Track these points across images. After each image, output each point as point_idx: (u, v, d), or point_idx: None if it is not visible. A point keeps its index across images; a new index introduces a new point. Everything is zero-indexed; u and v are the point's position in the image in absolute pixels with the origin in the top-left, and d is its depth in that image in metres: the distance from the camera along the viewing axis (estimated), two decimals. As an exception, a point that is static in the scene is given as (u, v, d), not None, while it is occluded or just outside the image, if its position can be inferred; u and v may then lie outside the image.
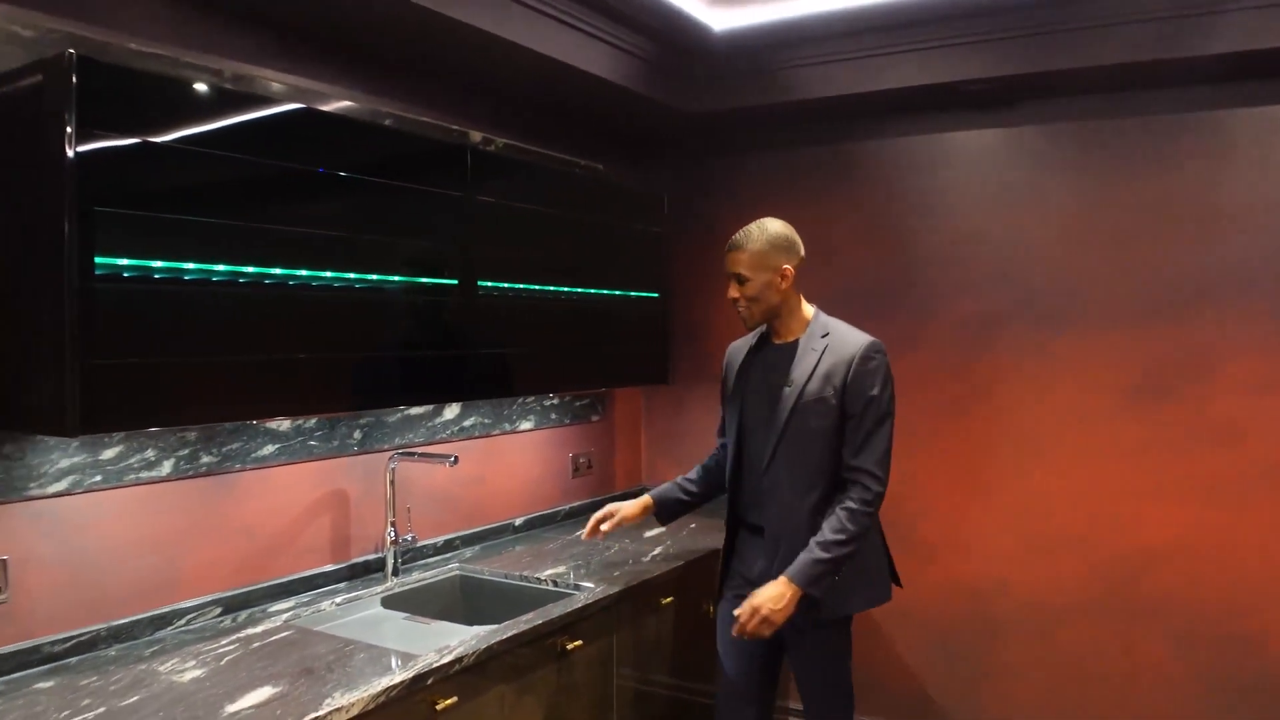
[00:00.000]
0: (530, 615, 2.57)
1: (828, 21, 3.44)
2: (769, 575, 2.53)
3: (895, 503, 3.89)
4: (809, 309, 2.67)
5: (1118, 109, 3.51)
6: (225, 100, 2.23)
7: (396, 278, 2.63)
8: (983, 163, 3.76)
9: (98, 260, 1.92)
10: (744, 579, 2.68)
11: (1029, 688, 3.66)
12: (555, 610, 2.64)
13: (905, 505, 3.92)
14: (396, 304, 2.65)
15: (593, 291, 3.44)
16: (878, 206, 3.96)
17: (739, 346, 2.83)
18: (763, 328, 2.73)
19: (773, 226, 2.59)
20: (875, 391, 2.51)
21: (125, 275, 1.98)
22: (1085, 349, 3.57)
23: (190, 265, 2.11)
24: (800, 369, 2.57)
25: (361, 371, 2.53)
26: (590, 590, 2.86)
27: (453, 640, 2.37)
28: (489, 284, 2.93)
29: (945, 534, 3.83)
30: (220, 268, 2.17)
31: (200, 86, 2.18)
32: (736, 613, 2.50)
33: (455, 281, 2.80)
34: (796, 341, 2.63)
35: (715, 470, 2.97)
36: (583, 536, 3.00)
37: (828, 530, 2.46)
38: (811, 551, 2.45)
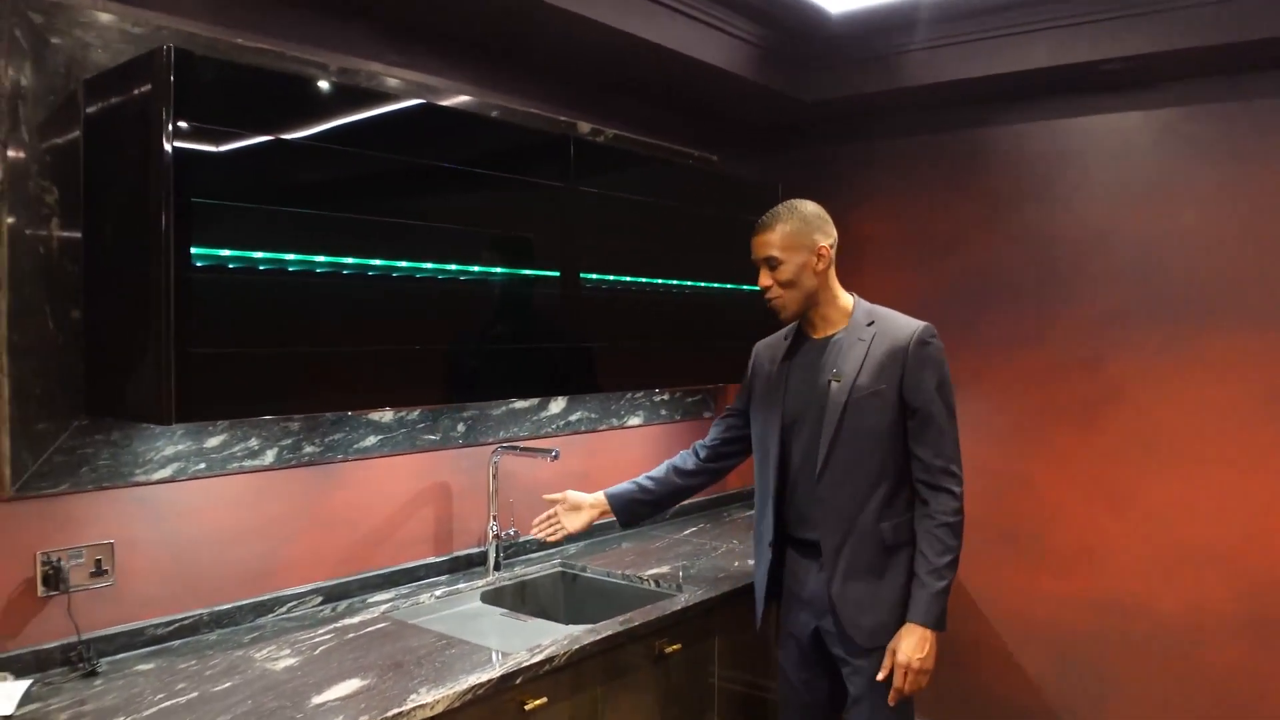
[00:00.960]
0: (627, 616, 2.51)
1: (950, 1, 3.26)
2: (828, 593, 2.31)
3: (1010, 507, 3.74)
4: (848, 297, 2.41)
5: (1268, 89, 3.23)
6: (325, 93, 2.23)
7: (499, 270, 2.60)
8: (1117, 148, 3.51)
9: (195, 251, 1.92)
10: (799, 601, 2.42)
11: (1163, 711, 3.41)
12: (654, 612, 2.57)
13: (1024, 511, 3.72)
14: (498, 296, 2.61)
15: (702, 285, 3.35)
16: (1002, 195, 3.76)
17: (770, 345, 2.55)
18: (791, 327, 2.49)
19: (804, 204, 2.37)
20: (939, 379, 2.29)
21: (226, 266, 1.99)
22: (1229, 348, 3.30)
23: (291, 256, 2.11)
24: (849, 361, 2.30)
25: (461, 363, 2.51)
26: (693, 592, 2.77)
27: (545, 639, 2.32)
28: (593, 276, 2.87)
29: (1073, 544, 3.60)
30: (321, 259, 2.17)
31: (298, 80, 2.18)
32: (882, 678, 2.25)
33: (557, 273, 2.76)
34: (839, 334, 2.36)
35: (686, 474, 2.69)
36: (539, 535, 2.71)
37: (932, 555, 2.24)
38: (926, 585, 2.23)
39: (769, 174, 4.19)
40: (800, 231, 2.31)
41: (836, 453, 2.30)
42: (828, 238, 2.34)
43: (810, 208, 2.36)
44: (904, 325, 2.32)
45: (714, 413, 4.06)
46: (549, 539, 2.68)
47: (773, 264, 2.32)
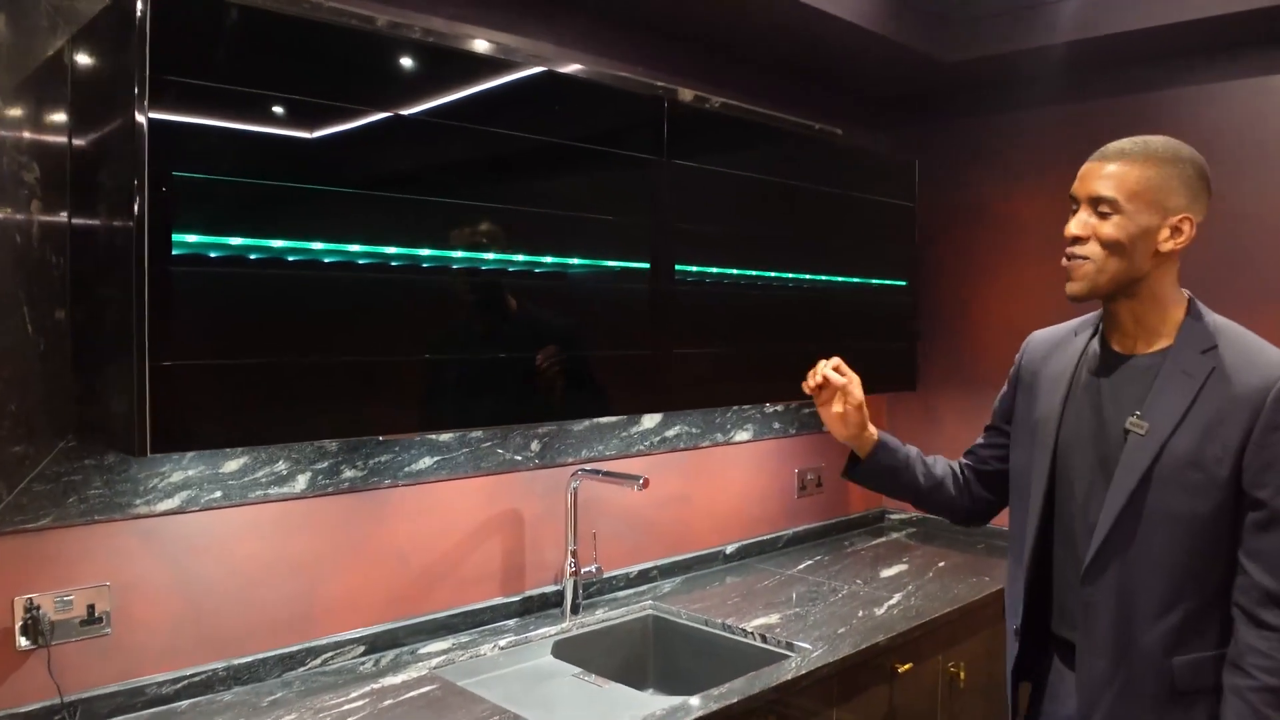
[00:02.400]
0: (724, 689, 2.04)
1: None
2: None
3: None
4: (1181, 300, 1.66)
5: None
6: (349, 42, 1.82)
7: (576, 261, 2.16)
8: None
9: (176, 238, 1.54)
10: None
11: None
12: (758, 681, 2.10)
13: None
14: (574, 293, 2.17)
15: (823, 279, 2.85)
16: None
17: (1052, 341, 1.83)
18: (1090, 323, 1.77)
19: (1183, 147, 1.62)
20: None
21: (217, 256, 1.60)
22: None
23: (318, 245, 1.72)
24: (1164, 404, 1.58)
25: (526, 376, 2.08)
26: (805, 653, 2.29)
27: (623, 717, 1.88)
28: (690, 268, 2.41)
29: None
30: (356, 249, 1.77)
31: (318, 27, 1.77)
32: None
33: (647, 265, 2.30)
34: (1160, 354, 1.63)
35: (949, 482, 1.98)
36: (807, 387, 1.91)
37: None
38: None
39: (901, 150, 3.65)
40: (1165, 182, 1.58)
41: (1119, 539, 1.60)
42: (1197, 209, 1.61)
43: (1191, 156, 1.61)
44: (1263, 365, 1.56)
45: (836, 425, 3.54)
46: (805, 386, 1.91)
47: (1103, 209, 1.60)
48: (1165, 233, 1.58)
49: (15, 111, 1.71)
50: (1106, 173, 1.61)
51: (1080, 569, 1.64)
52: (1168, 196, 1.58)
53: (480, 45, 2.33)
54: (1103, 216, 1.60)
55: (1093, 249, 1.60)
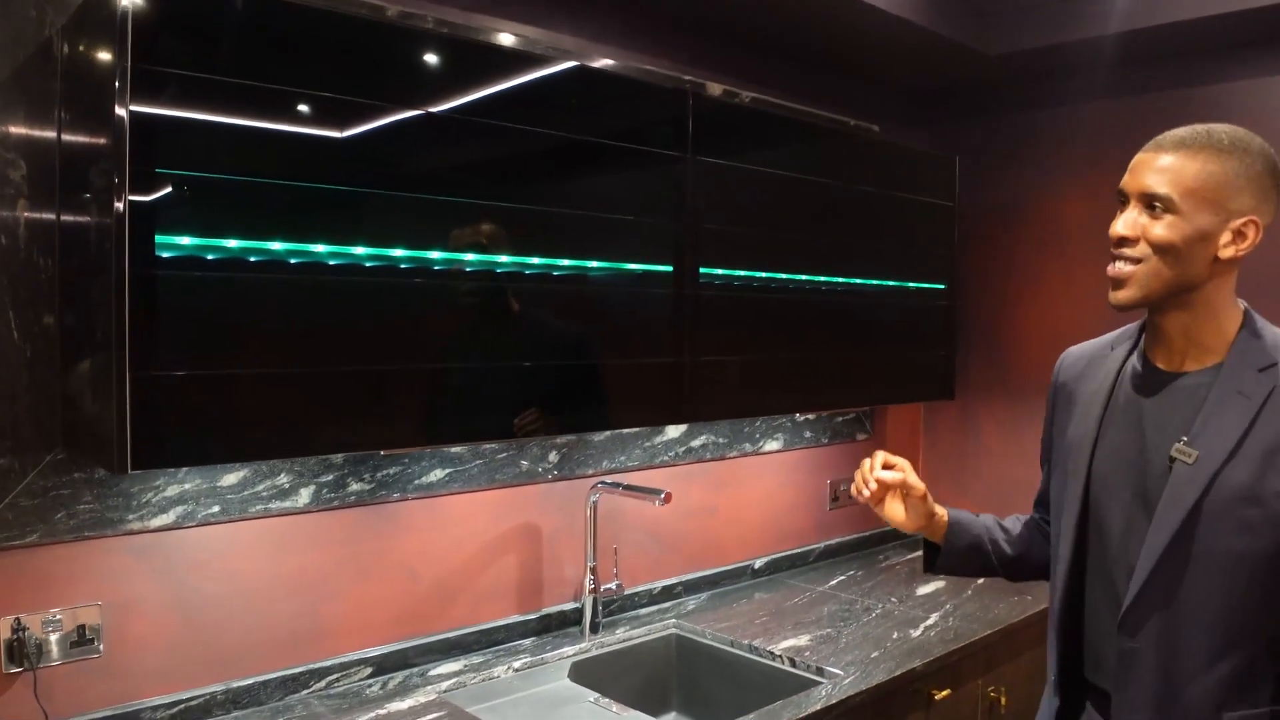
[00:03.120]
0: (750, 718, 1.92)
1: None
2: None
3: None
4: (1236, 312, 1.44)
5: None
6: (352, 27, 1.71)
7: (595, 264, 2.04)
8: None
9: (160, 239, 1.44)
10: None
11: None
12: (786, 710, 1.97)
13: None
14: (593, 298, 2.05)
15: (857, 282, 2.71)
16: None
17: (1084, 357, 1.63)
18: (1128, 335, 1.56)
19: (1252, 138, 1.39)
20: None
21: (206, 258, 1.50)
22: None
23: (321, 248, 1.62)
24: (1216, 429, 1.36)
25: (542, 385, 1.96)
26: (837, 680, 2.16)
27: (639, 751, 1.76)
28: (715, 271, 2.28)
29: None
30: (360, 251, 1.67)
31: (320, 13, 1.66)
32: None
33: (670, 268, 2.18)
34: (1211, 371, 1.41)
35: (1035, 541, 1.73)
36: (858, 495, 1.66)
37: None
38: None
39: (939, 148, 3.50)
40: (1229, 179, 1.36)
41: (1162, 583, 1.38)
42: (1267, 212, 1.39)
43: (1262, 149, 1.39)
44: None
45: (869, 435, 3.41)
46: (857, 497, 1.67)
47: (1156, 207, 1.37)
48: (1226, 237, 1.36)
49: (1, 106, 1.62)
50: (1161, 166, 1.38)
51: (1118, 615, 1.42)
52: (1231, 195, 1.35)
53: (502, 39, 2.22)
54: (1155, 216, 1.38)
55: (1143, 251, 1.38)
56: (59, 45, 1.67)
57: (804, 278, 2.54)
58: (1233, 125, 1.41)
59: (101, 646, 1.76)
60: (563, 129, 1.97)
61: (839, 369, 2.69)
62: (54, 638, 1.71)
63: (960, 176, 3.10)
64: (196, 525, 1.86)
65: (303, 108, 1.60)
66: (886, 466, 1.63)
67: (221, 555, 1.90)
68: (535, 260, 1.94)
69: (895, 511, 1.64)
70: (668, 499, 2.22)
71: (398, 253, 1.73)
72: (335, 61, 1.66)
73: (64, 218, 1.67)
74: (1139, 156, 1.43)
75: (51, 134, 1.68)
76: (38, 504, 1.69)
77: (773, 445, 3.02)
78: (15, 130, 1.64)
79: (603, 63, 2.39)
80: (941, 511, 1.68)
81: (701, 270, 2.23)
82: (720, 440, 2.84)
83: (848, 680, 2.15)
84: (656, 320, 2.17)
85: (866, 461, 1.64)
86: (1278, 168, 1.39)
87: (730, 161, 2.30)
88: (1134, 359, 1.51)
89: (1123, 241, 1.40)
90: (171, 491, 1.82)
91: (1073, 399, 1.59)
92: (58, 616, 1.72)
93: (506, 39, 2.23)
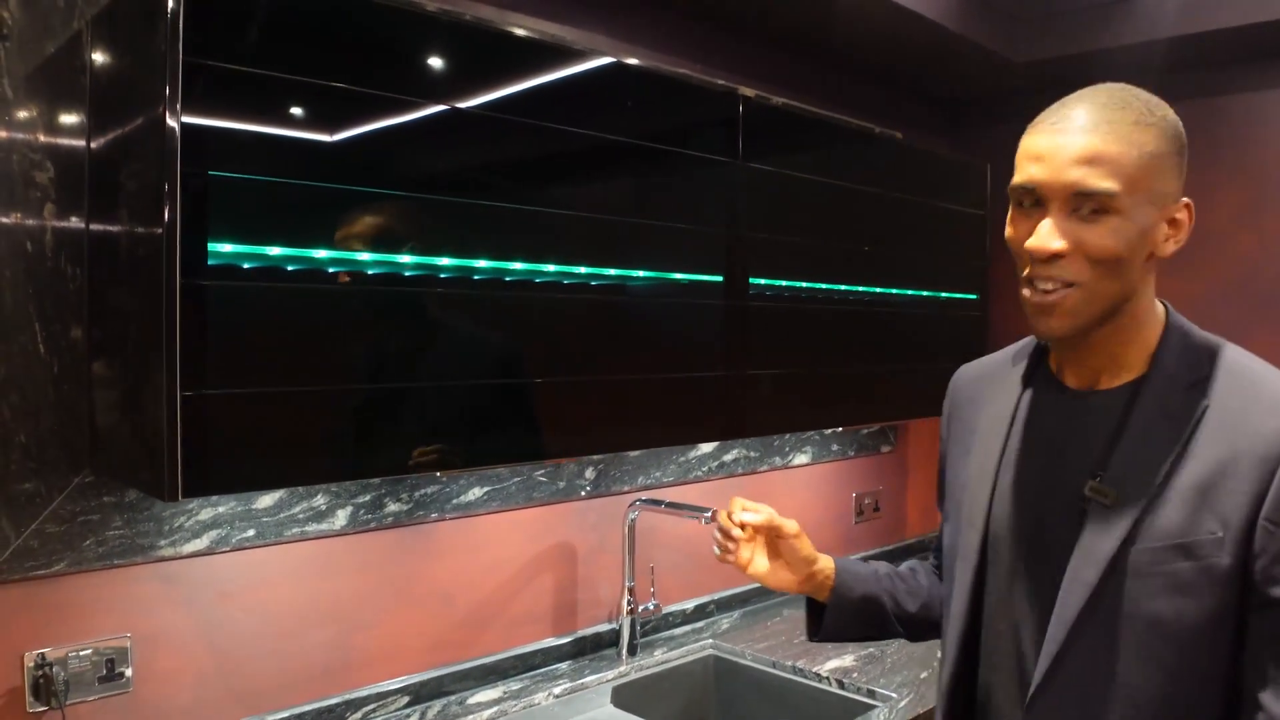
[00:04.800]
0: (810, 748, 1.84)
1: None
2: None
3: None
4: (1158, 314, 1.15)
5: None
6: (407, 29, 1.61)
7: (642, 273, 1.95)
8: None
9: (211, 248, 1.33)
10: None
11: None
12: (844, 739, 1.89)
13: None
14: (640, 309, 1.96)
15: (892, 292, 2.64)
16: (1274, 176, 2.93)
17: (985, 378, 1.31)
18: (1029, 348, 1.26)
19: (1168, 111, 1.10)
20: None
21: (260, 269, 1.39)
22: None
23: (365, 256, 1.52)
24: (1139, 462, 1.08)
25: (585, 401, 1.87)
26: (892, 703, 2.08)
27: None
28: (762, 281, 2.20)
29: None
30: (408, 259, 1.57)
31: (370, 8, 1.56)
32: None
33: (720, 278, 2.09)
34: (1130, 388, 1.12)
35: (940, 594, 1.41)
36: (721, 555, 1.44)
37: None
38: None
39: (967, 155, 3.44)
40: (1165, 157, 1.07)
41: (1078, 658, 1.08)
42: (1183, 191, 1.12)
43: (1177, 121, 1.11)
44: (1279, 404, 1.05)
45: (893, 448, 3.33)
46: (723, 559, 1.44)
47: (1093, 204, 1.04)
48: (1164, 229, 1.08)
49: (27, 103, 1.51)
50: (1091, 152, 1.04)
51: (1023, 698, 1.12)
52: (1164, 177, 1.07)
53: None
54: (1087, 219, 1.05)
55: (1078, 270, 1.05)
56: (88, 39, 1.56)
57: (844, 288, 2.46)
58: (1134, 88, 1.12)
59: (131, 682, 1.65)
60: (615, 133, 1.88)
61: (872, 381, 2.62)
62: (82, 673, 1.60)
63: (993, 180, 3.04)
64: (230, 550, 1.75)
65: (361, 106, 1.50)
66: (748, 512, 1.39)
67: (255, 582, 1.79)
68: (580, 269, 1.85)
69: (761, 566, 1.38)
70: (714, 516, 2.12)
71: (445, 261, 1.63)
72: (388, 57, 1.56)
73: (94, 224, 1.56)
74: (1044, 140, 1.08)
75: (81, 134, 1.57)
76: (64, 530, 1.57)
77: (801, 459, 2.94)
78: (42, 130, 1.53)
79: (651, 64, 2.30)
80: (826, 562, 1.38)
81: (751, 280, 2.15)
82: (752, 454, 2.76)
83: (903, 703, 2.08)
84: (706, 332, 2.08)
85: (723, 513, 1.43)
86: (1184, 135, 1.12)
87: (778, 168, 2.22)
88: (1040, 378, 1.22)
89: (1053, 259, 1.06)
90: (205, 515, 1.71)
91: (968, 429, 1.28)
92: (85, 651, 1.60)
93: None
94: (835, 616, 1.38)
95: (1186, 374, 1.09)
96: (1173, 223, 1.09)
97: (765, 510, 1.38)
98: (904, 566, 1.45)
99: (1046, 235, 1.05)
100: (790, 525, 1.37)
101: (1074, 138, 1.05)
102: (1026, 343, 1.26)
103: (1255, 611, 1.02)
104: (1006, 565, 1.17)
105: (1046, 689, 1.09)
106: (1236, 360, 1.10)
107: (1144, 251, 1.07)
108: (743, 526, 1.39)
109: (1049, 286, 1.07)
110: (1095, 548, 1.06)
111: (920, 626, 1.41)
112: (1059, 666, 1.08)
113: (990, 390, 1.27)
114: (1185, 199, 1.10)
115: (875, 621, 1.39)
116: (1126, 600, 1.05)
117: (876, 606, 1.38)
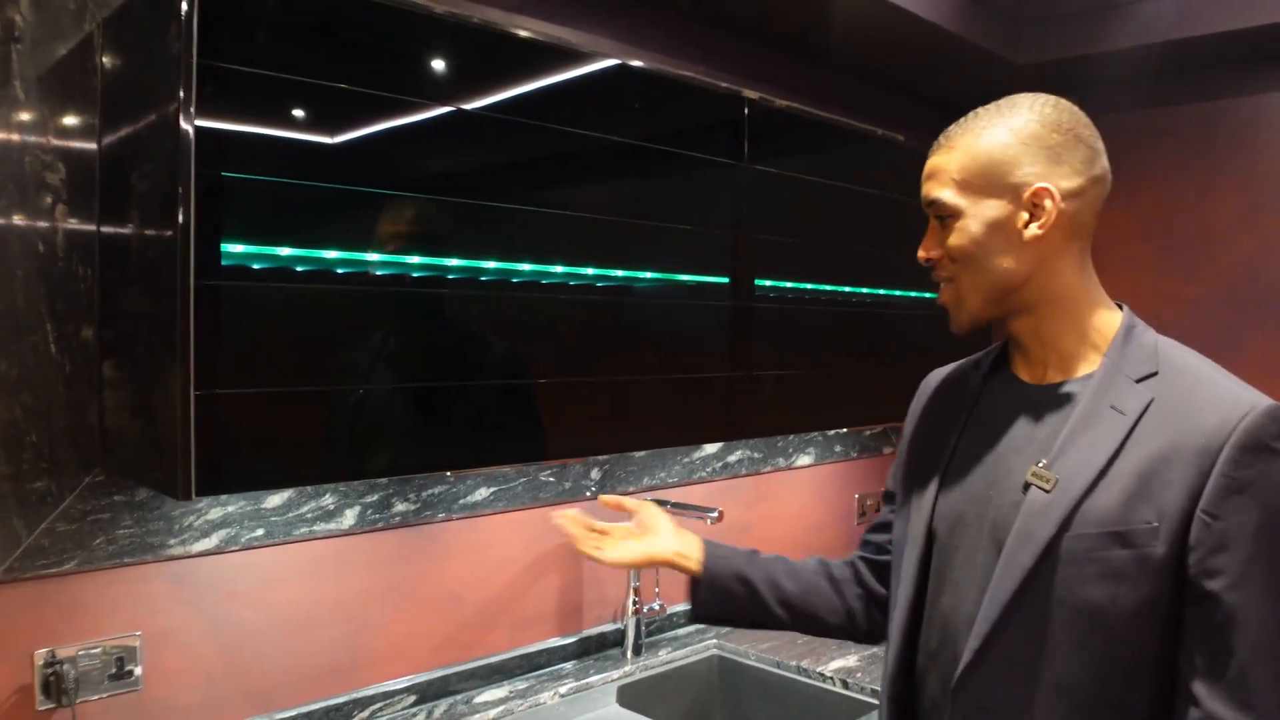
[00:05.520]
0: (815, 747, 1.85)
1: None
2: None
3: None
4: (1109, 313, 1.21)
5: None
6: (416, 29, 1.62)
7: (649, 275, 1.96)
8: None
9: (224, 249, 1.34)
10: None
11: None
12: (849, 738, 1.90)
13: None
14: (647, 310, 1.97)
15: (895, 294, 2.64)
16: (1275, 183, 2.94)
17: (947, 380, 1.39)
18: (994, 350, 1.33)
19: (1027, 108, 1.18)
20: (1272, 536, 1.04)
21: (273, 270, 1.40)
22: None
23: (373, 257, 1.52)
24: (1081, 449, 1.12)
25: (592, 403, 1.88)
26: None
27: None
28: (767, 283, 2.20)
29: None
30: (415, 260, 1.58)
31: (381, 10, 1.57)
32: None
33: (727, 279, 2.10)
34: (1081, 381, 1.17)
35: (820, 583, 1.45)
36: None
37: None
38: None
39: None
40: (1000, 153, 1.16)
41: (1006, 643, 1.11)
42: (1064, 175, 1.16)
43: (1034, 109, 1.18)
44: (1222, 401, 1.08)
45: (894, 447, 3.34)
46: (583, 551, 1.47)
47: (939, 211, 1.20)
48: (1018, 215, 1.16)
49: (39, 105, 1.52)
50: (931, 169, 1.21)
51: (951, 673, 1.14)
52: (1010, 169, 1.15)
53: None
54: (945, 225, 1.20)
55: (949, 268, 1.21)
56: (99, 40, 1.57)
57: (847, 289, 2.47)
58: (1012, 95, 1.22)
59: (141, 680, 1.66)
60: (616, 134, 1.89)
61: (875, 382, 2.62)
62: (92, 672, 1.61)
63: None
64: (239, 550, 1.76)
65: (370, 107, 1.51)
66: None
67: (264, 581, 1.80)
68: (587, 270, 1.86)
69: (621, 553, 1.44)
70: (721, 517, 2.14)
71: (453, 262, 1.64)
72: (398, 58, 1.57)
73: (105, 225, 1.57)
74: (926, 166, 1.24)
75: (92, 136, 1.58)
76: (75, 529, 1.58)
77: (805, 460, 2.95)
78: (53, 131, 1.54)
79: (657, 66, 2.31)
80: (694, 549, 1.45)
81: (756, 281, 2.16)
82: (756, 455, 2.77)
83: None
84: (713, 333, 2.09)
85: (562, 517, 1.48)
86: (1062, 124, 1.17)
87: (783, 170, 2.23)
88: (997, 374, 1.29)
89: (928, 263, 1.23)
90: (214, 514, 1.72)
91: (928, 425, 1.35)
92: (95, 649, 1.61)
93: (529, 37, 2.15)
94: (706, 592, 1.42)
95: (1135, 369, 1.13)
96: (1031, 206, 1.15)
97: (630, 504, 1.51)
98: (814, 564, 1.48)
99: (921, 246, 1.24)
100: (647, 510, 1.51)
101: (928, 159, 1.22)
102: (993, 347, 1.33)
103: (1190, 604, 1.05)
104: (950, 551, 1.20)
105: (974, 671, 1.11)
106: (1185, 359, 1.15)
107: (1002, 240, 1.16)
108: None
109: (940, 288, 1.24)
110: (1032, 532, 1.10)
111: (801, 613, 1.43)
112: (988, 649, 1.10)
113: (952, 390, 1.34)
114: (1041, 184, 1.15)
115: (750, 603, 1.42)
116: (1060, 585, 1.08)
117: (747, 587, 1.42)
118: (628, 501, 1.53)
